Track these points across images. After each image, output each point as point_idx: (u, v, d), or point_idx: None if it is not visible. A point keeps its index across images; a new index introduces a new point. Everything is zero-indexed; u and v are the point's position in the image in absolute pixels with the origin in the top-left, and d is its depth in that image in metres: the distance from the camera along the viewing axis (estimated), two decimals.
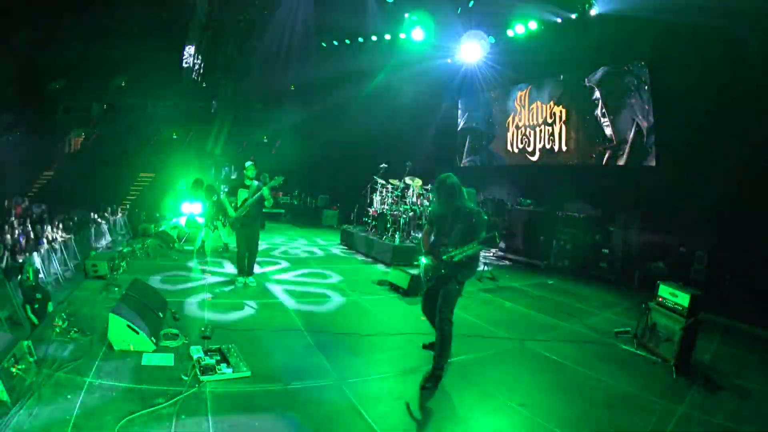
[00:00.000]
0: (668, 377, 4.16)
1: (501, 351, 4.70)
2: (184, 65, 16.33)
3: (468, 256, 3.55)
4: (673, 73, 7.97)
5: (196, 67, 16.51)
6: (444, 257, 3.62)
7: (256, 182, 6.42)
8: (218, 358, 3.82)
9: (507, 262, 10.01)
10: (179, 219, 11.62)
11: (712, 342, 5.12)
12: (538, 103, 11.27)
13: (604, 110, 9.51)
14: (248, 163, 6.50)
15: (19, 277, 4.87)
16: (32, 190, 16.26)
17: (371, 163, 10.84)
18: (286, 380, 3.68)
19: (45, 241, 6.54)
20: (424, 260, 3.93)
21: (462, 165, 14.00)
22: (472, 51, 11.82)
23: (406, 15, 12.26)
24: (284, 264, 8.31)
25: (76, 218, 9.03)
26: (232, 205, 6.38)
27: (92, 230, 8.48)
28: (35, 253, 5.75)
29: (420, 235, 5.34)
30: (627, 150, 8.99)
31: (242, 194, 6.38)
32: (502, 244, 10.42)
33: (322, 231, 13.48)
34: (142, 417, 2.97)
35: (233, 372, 3.64)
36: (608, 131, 9.39)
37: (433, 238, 3.91)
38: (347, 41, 13.59)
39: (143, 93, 16.44)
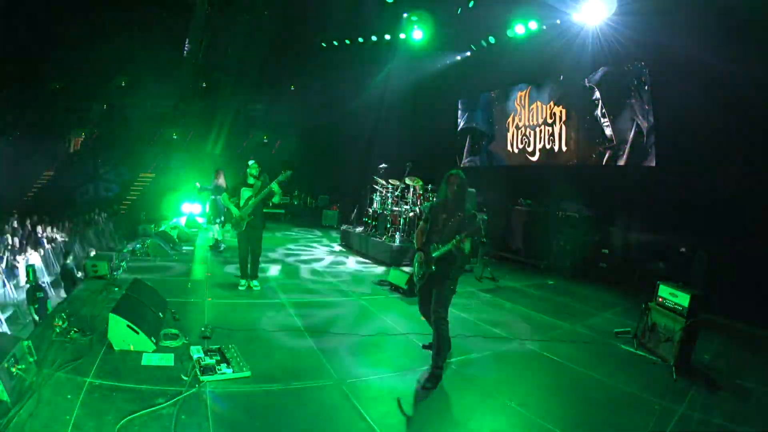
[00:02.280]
0: (668, 377, 4.15)
1: (501, 351, 4.70)
2: (184, 64, 16.31)
3: (453, 250, 3.56)
4: (673, 73, 7.96)
5: (196, 66, 16.47)
6: (434, 254, 3.65)
7: (260, 181, 6.33)
8: (218, 358, 3.82)
9: (507, 263, 10.00)
10: (179, 219, 11.64)
11: (712, 342, 5.11)
12: (538, 103, 11.25)
13: (604, 110, 9.49)
14: (251, 162, 6.47)
15: (18, 277, 4.88)
16: (32, 190, 16.27)
17: (371, 163, 10.85)
18: (286, 380, 3.68)
19: (45, 241, 6.55)
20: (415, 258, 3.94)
21: (462, 165, 13.97)
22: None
23: (405, 15, 12.24)
24: (284, 264, 8.30)
25: (76, 218, 9.04)
26: (234, 203, 6.28)
27: (92, 230, 8.49)
28: (35, 253, 5.76)
29: None
30: (627, 150, 8.97)
31: (245, 193, 6.28)
32: (514, 246, 10.39)
33: (322, 231, 13.49)
34: (142, 417, 2.96)
35: (233, 372, 3.64)
36: (608, 131, 9.38)
37: (425, 235, 3.91)
38: (347, 41, 13.57)
39: (143, 93, 16.43)
